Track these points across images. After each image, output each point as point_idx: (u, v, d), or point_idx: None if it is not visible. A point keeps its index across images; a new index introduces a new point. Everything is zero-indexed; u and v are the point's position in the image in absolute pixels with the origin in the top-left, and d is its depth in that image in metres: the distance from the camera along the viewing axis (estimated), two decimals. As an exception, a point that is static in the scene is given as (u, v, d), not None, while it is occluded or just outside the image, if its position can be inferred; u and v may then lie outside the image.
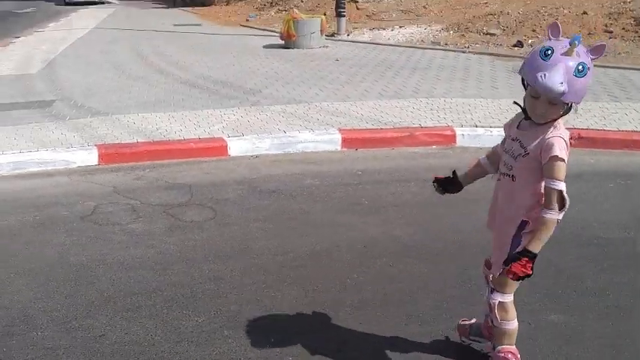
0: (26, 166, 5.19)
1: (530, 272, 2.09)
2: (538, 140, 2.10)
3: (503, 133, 2.34)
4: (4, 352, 2.72)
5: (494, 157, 2.40)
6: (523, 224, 2.18)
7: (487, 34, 12.37)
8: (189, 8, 24.36)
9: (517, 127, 2.22)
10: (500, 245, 2.26)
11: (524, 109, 2.14)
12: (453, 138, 6.01)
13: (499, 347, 2.36)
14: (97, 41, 14.01)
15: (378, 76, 8.96)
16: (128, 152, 5.47)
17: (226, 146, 5.64)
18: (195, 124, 6.29)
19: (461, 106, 6.96)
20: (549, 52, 1.94)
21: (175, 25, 17.97)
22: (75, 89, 8.28)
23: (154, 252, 3.72)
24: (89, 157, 5.36)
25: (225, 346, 2.77)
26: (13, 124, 6.36)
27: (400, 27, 14.33)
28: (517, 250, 2.15)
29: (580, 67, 1.92)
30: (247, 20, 18.37)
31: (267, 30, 15.69)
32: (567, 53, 1.93)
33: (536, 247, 2.10)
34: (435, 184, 2.50)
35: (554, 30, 2.01)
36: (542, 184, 2.12)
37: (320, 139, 5.89)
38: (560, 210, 2.07)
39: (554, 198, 2.06)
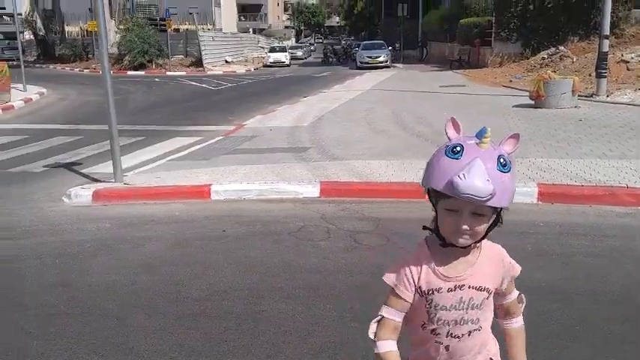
0: (267, 193, 6.71)
1: None
2: (492, 272, 1.71)
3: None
4: (176, 307, 3.94)
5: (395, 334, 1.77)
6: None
7: None
8: (462, 70, 25.53)
9: (439, 271, 1.68)
10: None
11: (438, 236, 1.66)
12: (659, 201, 5.73)
13: None
14: (364, 101, 16.02)
15: (613, 137, 8.67)
16: (342, 189, 6.63)
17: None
18: (407, 171, 7.18)
19: (690, 170, 6.47)
20: (458, 148, 1.54)
21: (441, 86, 19.23)
22: (329, 139, 9.91)
23: (326, 262, 4.69)
24: (313, 191, 6.65)
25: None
26: (271, 162, 8.11)
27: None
28: None
29: (502, 160, 1.53)
30: (510, 81, 18.66)
31: (525, 90, 15.82)
32: (481, 146, 1.53)
33: None
34: None
35: (455, 125, 1.62)
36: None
37: (517, 191, 6.17)
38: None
39: (520, 305, 1.83)
